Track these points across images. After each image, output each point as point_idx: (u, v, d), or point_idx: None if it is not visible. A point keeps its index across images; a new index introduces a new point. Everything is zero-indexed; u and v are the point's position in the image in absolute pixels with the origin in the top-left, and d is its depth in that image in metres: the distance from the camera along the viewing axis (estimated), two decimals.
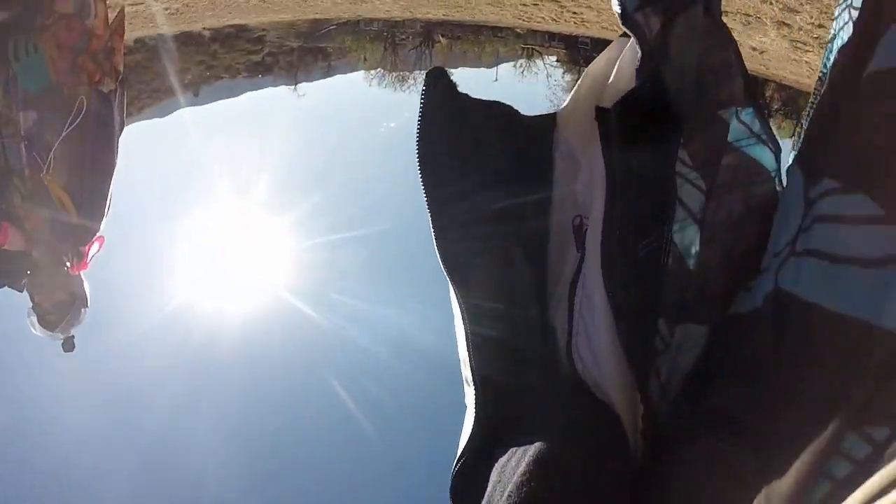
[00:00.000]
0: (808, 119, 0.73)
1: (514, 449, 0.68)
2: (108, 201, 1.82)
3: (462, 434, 0.77)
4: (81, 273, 1.84)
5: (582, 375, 0.79)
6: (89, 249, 1.81)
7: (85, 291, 1.87)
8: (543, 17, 10.34)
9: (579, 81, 0.96)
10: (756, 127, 0.82)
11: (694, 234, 0.77)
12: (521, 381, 0.80)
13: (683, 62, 0.82)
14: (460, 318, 0.79)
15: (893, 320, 0.51)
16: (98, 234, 1.81)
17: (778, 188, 0.82)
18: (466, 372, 0.79)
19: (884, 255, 0.53)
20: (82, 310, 1.84)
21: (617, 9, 0.83)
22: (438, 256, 0.81)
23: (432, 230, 0.81)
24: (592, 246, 0.77)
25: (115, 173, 1.78)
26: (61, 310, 1.79)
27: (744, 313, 0.72)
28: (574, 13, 9.15)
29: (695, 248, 0.77)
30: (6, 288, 1.78)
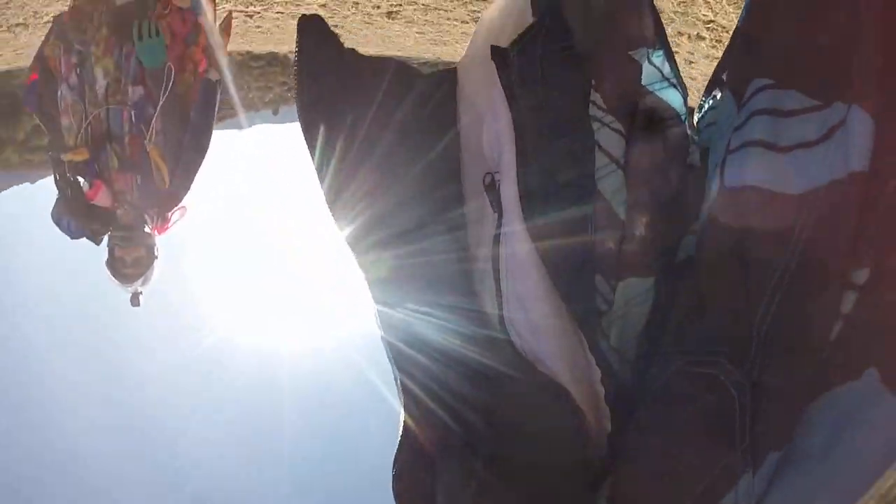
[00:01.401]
0: (730, 44, 0.72)
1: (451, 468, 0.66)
2: (195, 178, 1.99)
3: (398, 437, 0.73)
4: (157, 237, 2.01)
5: (521, 350, 0.70)
6: (172, 216, 1.98)
7: (158, 253, 2.03)
8: None
9: (475, 29, 0.85)
10: (666, 70, 0.76)
11: (619, 182, 0.70)
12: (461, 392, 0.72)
13: None
14: (378, 321, 0.75)
15: (845, 169, 0.54)
16: (182, 205, 1.98)
17: (688, 130, 0.76)
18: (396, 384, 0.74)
19: (826, 131, 0.55)
20: (155, 269, 2.01)
21: None
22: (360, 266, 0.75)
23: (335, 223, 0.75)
24: (509, 197, 0.68)
25: (207, 154, 1.96)
26: (140, 265, 1.95)
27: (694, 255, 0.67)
28: None
29: (622, 196, 0.69)
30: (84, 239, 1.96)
